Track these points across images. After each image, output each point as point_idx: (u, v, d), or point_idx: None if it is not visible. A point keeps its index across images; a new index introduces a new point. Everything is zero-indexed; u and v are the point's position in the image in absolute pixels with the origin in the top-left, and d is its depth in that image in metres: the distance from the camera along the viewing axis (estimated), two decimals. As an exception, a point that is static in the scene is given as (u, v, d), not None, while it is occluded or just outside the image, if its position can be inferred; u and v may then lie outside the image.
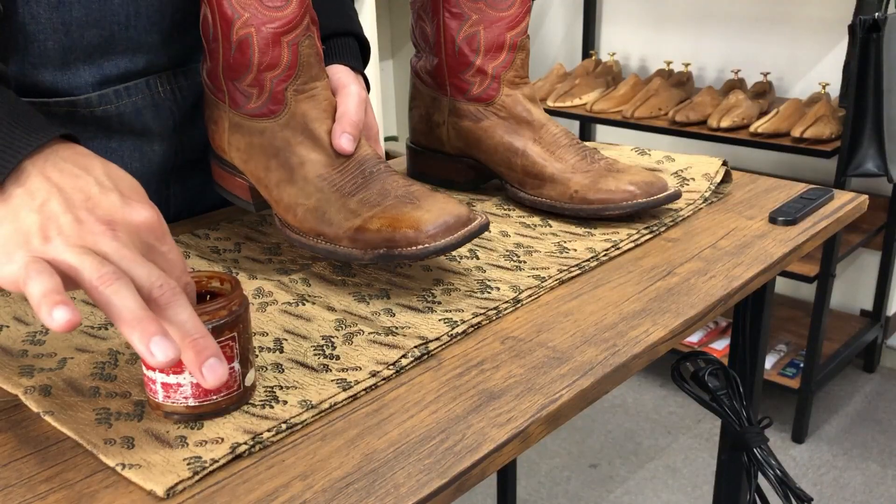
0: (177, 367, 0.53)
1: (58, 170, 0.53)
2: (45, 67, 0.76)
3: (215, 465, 0.51)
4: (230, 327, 0.54)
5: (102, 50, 0.77)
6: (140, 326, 0.47)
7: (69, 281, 0.49)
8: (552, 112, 2.39)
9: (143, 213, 0.53)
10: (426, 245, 0.67)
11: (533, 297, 0.72)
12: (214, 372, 0.49)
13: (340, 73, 0.81)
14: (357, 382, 0.59)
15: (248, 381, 0.56)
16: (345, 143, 0.73)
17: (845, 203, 0.92)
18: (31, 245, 0.50)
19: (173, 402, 0.54)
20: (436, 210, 0.68)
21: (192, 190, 0.92)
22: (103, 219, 0.51)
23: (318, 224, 0.71)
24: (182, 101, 0.85)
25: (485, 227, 0.69)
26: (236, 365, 0.55)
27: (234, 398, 0.56)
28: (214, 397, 0.55)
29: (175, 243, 0.55)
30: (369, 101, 0.83)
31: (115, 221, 0.51)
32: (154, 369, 0.54)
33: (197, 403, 0.54)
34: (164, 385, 0.54)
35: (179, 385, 0.54)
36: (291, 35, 0.72)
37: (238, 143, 0.75)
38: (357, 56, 0.88)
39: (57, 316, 0.45)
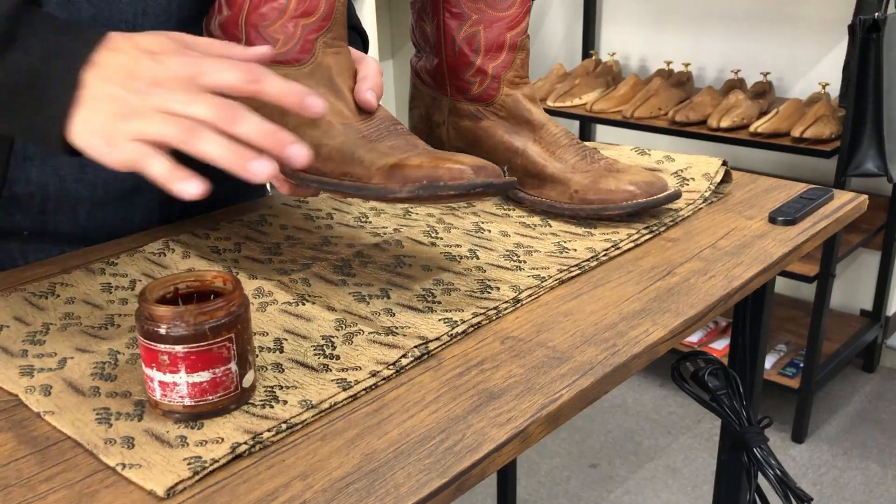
0: (173, 366, 0.53)
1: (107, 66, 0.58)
2: None
3: (215, 465, 0.51)
4: (228, 328, 0.54)
5: None
6: (235, 160, 0.54)
7: (164, 146, 0.56)
8: (552, 112, 2.39)
9: (158, 42, 0.58)
10: (472, 179, 0.65)
11: (533, 297, 0.72)
12: (298, 153, 0.55)
13: (354, 50, 0.81)
14: (357, 382, 0.59)
15: (247, 382, 0.56)
16: (371, 97, 0.73)
17: (845, 203, 0.92)
18: (119, 130, 0.56)
19: (170, 402, 0.55)
20: (469, 159, 0.66)
21: None
22: (151, 82, 0.57)
23: (345, 163, 0.69)
24: None
25: (512, 184, 0.68)
26: (233, 366, 0.55)
27: (231, 399, 0.55)
28: (211, 397, 0.55)
29: (191, 36, 0.60)
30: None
31: (160, 79, 0.57)
32: (152, 368, 0.54)
33: (193, 403, 0.54)
34: (161, 384, 0.54)
35: (176, 384, 0.54)
36: None
37: None
38: (359, 47, 0.89)
39: (188, 188, 0.54)
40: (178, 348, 0.53)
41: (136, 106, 0.56)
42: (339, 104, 0.72)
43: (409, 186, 0.65)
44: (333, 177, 0.69)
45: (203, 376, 0.54)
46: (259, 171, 0.54)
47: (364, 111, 0.73)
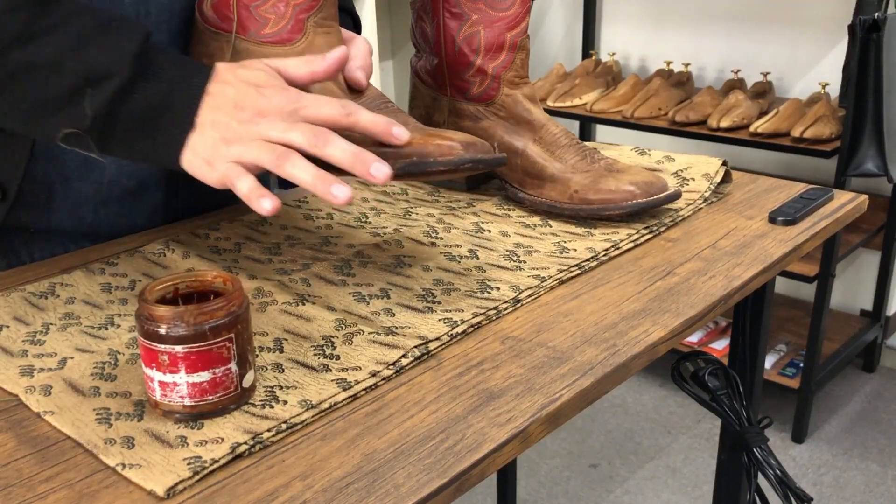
0: (173, 366, 0.53)
1: (219, 93, 0.65)
2: None
3: (215, 465, 0.51)
4: (228, 328, 0.54)
5: None
6: (319, 184, 0.60)
7: (257, 169, 0.63)
8: (552, 112, 2.39)
9: (261, 77, 0.66)
10: (462, 154, 0.66)
11: (533, 297, 0.72)
12: (380, 171, 0.61)
13: (344, 30, 0.81)
14: (357, 382, 0.59)
15: (247, 382, 0.56)
16: (360, 76, 0.75)
17: (845, 203, 0.92)
18: (221, 153, 0.64)
19: (170, 402, 0.55)
20: (459, 136, 0.67)
21: (199, 187, 0.92)
22: (255, 112, 0.64)
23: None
24: None
25: (502, 160, 0.69)
26: (233, 366, 0.55)
27: (231, 399, 0.55)
28: (211, 397, 0.55)
29: (288, 67, 0.68)
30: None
31: (262, 110, 0.63)
32: (152, 368, 0.54)
33: (193, 403, 0.54)
34: (162, 384, 0.54)
35: (175, 384, 0.54)
36: None
37: None
38: (350, 29, 0.89)
39: (265, 204, 0.61)
40: (178, 348, 0.53)
41: (240, 133, 0.63)
42: (329, 83, 0.73)
43: (400, 163, 0.66)
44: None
45: (203, 376, 0.54)
46: (340, 194, 0.60)
47: (354, 90, 0.74)
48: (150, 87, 0.64)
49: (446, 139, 0.66)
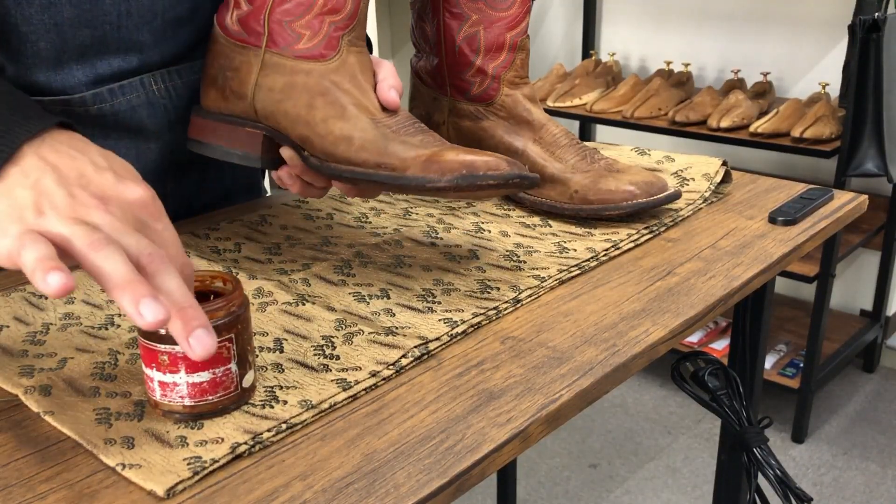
0: (173, 366, 0.53)
1: (53, 150, 0.54)
2: (38, 68, 0.76)
3: (215, 465, 0.51)
4: (227, 328, 0.54)
5: (95, 50, 0.78)
6: (130, 288, 0.47)
7: (62, 252, 0.49)
8: (552, 112, 2.39)
9: (137, 190, 0.53)
10: (508, 170, 0.65)
11: (533, 297, 0.72)
12: (202, 342, 0.49)
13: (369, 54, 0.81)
14: (357, 382, 0.59)
15: (246, 382, 0.56)
16: (394, 95, 0.73)
17: (845, 203, 0.92)
18: (24, 219, 0.51)
19: (170, 401, 0.55)
20: (497, 155, 0.67)
21: (188, 188, 0.92)
22: (96, 194, 0.52)
23: (378, 154, 0.69)
24: (177, 99, 0.85)
25: (537, 179, 0.69)
26: (233, 366, 0.55)
27: (231, 399, 0.55)
28: (210, 397, 0.55)
29: (171, 223, 0.55)
30: None
31: (108, 197, 0.52)
32: (152, 368, 0.54)
33: (193, 403, 0.54)
34: (161, 384, 0.54)
35: (175, 384, 0.54)
36: None
37: (273, 83, 0.74)
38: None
39: (51, 280, 0.46)
40: (178, 348, 0.53)
41: (59, 204, 0.51)
42: (364, 101, 0.72)
43: (449, 176, 0.65)
44: (367, 167, 0.69)
45: (203, 376, 0.54)
46: (147, 312, 0.46)
47: (387, 109, 0.73)
48: None
49: (490, 156, 0.66)
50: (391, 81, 0.75)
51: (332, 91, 0.72)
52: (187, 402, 0.54)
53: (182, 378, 0.54)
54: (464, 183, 0.65)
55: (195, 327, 0.49)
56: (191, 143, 0.80)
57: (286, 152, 0.75)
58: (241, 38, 0.75)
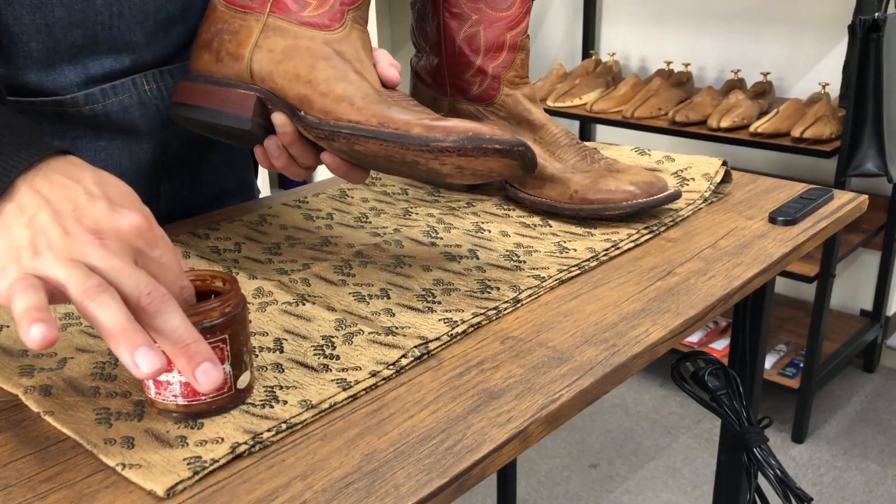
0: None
1: (48, 181, 0.54)
2: (29, 68, 0.76)
3: (215, 465, 0.51)
4: (222, 329, 0.54)
5: (87, 50, 0.78)
6: (125, 338, 0.47)
7: (59, 295, 0.49)
8: (552, 112, 2.39)
9: (132, 218, 0.53)
10: (512, 137, 0.64)
11: (533, 297, 0.72)
12: (209, 376, 0.50)
13: None
14: (357, 382, 0.59)
15: (241, 383, 0.56)
16: (393, 72, 0.72)
17: (845, 203, 0.92)
18: (22, 261, 0.50)
19: (164, 400, 0.55)
20: (501, 125, 0.67)
21: (181, 188, 0.92)
22: (91, 228, 0.51)
23: (382, 116, 0.67)
24: (169, 99, 0.85)
25: (535, 160, 0.68)
26: (227, 367, 0.55)
27: (224, 399, 0.55)
28: (203, 398, 0.55)
29: (170, 246, 0.54)
30: None
31: (103, 230, 0.51)
32: None
33: (186, 402, 0.55)
34: (156, 382, 0.54)
35: (169, 383, 0.54)
36: None
37: (274, 45, 0.72)
38: None
39: (34, 332, 0.46)
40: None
41: (55, 244, 0.51)
42: (365, 73, 0.71)
43: (454, 136, 0.64)
44: (370, 125, 0.67)
45: None
46: (143, 363, 0.47)
47: (387, 86, 0.72)
48: None
49: (493, 125, 0.66)
50: (389, 60, 0.74)
51: (334, 57, 0.71)
52: (180, 401, 0.54)
53: (175, 377, 0.54)
54: (469, 145, 0.63)
55: (200, 362, 0.49)
56: (176, 107, 0.76)
57: (278, 118, 0.72)
58: (243, 3, 0.74)
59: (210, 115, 0.74)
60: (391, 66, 0.73)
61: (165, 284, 0.52)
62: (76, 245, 0.51)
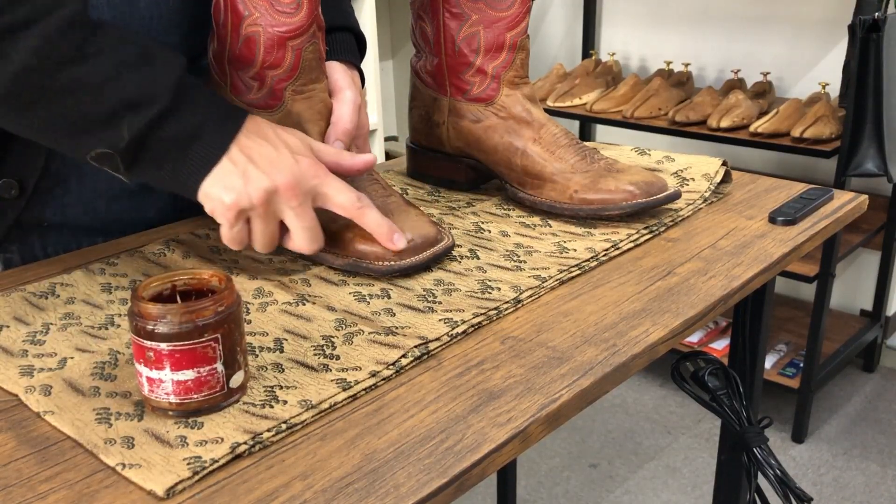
0: (158, 363, 0.53)
1: (249, 140, 0.69)
2: None
3: (215, 465, 0.51)
4: (214, 327, 0.54)
5: None
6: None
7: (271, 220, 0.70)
8: (552, 112, 2.39)
9: (304, 161, 0.70)
10: (391, 263, 0.73)
11: (533, 298, 0.72)
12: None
13: (337, 74, 0.83)
14: (357, 382, 0.59)
15: (234, 383, 0.56)
16: (339, 147, 0.78)
17: (845, 203, 0.92)
18: (241, 198, 0.68)
19: (157, 398, 0.55)
20: (406, 228, 0.74)
21: None
22: (287, 182, 0.69)
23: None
24: None
25: (450, 248, 0.76)
26: (219, 366, 0.55)
27: (216, 398, 0.55)
28: (195, 396, 0.55)
29: (326, 169, 0.71)
30: (364, 102, 0.85)
31: (293, 183, 0.69)
32: (141, 363, 0.54)
33: (179, 401, 0.55)
34: (149, 380, 0.54)
35: (161, 381, 0.54)
36: (297, 41, 0.75)
37: None
38: (354, 51, 0.89)
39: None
40: (164, 345, 0.53)
41: (259, 187, 0.67)
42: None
43: (340, 261, 0.75)
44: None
45: (187, 374, 0.54)
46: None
47: None
48: (185, 118, 0.67)
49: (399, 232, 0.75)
50: (338, 132, 0.80)
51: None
52: (173, 399, 0.54)
53: (167, 375, 0.54)
54: (351, 270, 0.75)
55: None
56: None
57: None
58: (217, 73, 0.79)
59: None
60: (336, 140, 0.79)
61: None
62: (312, 178, 0.70)
